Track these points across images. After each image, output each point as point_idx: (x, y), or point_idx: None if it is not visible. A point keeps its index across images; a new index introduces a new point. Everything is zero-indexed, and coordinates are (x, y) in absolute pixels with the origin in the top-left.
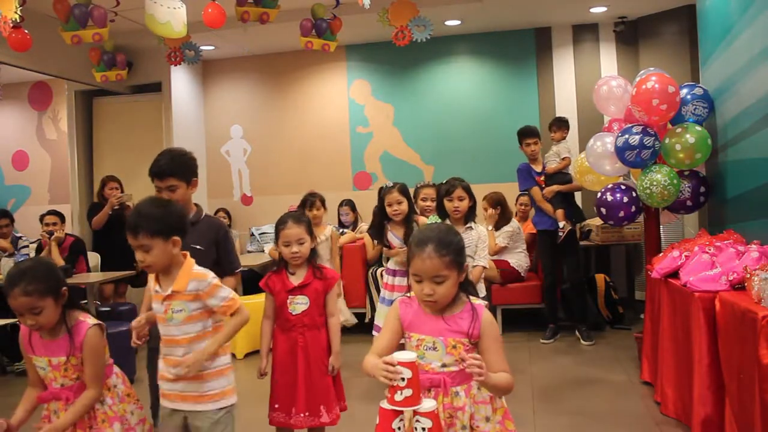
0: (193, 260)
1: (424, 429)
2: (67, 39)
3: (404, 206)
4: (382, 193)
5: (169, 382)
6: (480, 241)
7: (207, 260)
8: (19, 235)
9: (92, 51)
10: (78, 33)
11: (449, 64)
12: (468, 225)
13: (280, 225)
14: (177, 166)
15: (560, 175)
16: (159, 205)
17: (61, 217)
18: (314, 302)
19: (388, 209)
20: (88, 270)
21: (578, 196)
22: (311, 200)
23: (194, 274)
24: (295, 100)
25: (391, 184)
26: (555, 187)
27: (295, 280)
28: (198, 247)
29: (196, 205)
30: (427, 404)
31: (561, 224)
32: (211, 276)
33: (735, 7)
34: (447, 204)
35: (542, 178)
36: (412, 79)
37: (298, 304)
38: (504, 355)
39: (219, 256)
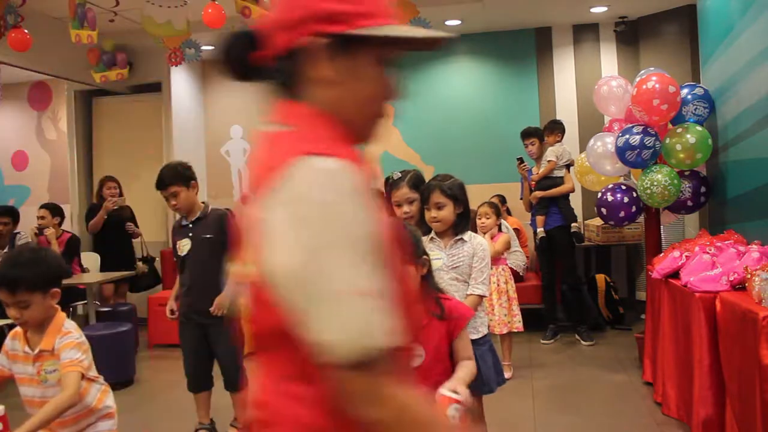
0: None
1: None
2: (72, 36)
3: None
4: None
5: None
6: (477, 259)
7: (218, 247)
8: (16, 231)
9: (90, 52)
10: (79, 32)
11: (449, 64)
12: (458, 237)
13: None
14: (173, 175)
15: (547, 180)
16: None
17: (53, 211)
18: (434, 355)
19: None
20: (82, 270)
21: (579, 197)
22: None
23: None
24: None
25: (399, 175)
26: (537, 193)
27: None
28: (208, 236)
29: (203, 203)
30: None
31: (539, 230)
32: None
33: (735, 7)
34: (426, 213)
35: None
36: (412, 79)
37: None
38: None
39: (225, 240)
